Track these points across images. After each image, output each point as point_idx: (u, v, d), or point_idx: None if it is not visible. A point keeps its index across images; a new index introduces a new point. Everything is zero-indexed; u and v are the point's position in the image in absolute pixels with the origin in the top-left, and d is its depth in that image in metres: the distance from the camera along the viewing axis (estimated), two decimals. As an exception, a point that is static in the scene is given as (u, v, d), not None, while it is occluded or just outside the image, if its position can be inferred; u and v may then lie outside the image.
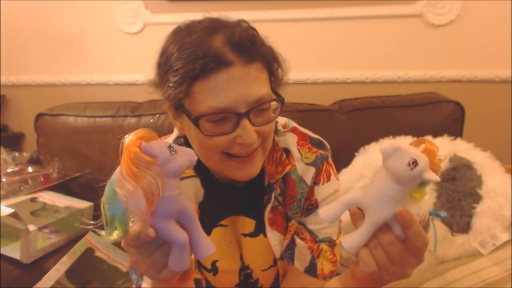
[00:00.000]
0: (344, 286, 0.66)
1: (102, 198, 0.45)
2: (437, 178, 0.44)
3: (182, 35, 0.66)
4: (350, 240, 0.49)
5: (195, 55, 0.62)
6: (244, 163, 0.68)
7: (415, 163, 0.43)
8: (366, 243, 0.51)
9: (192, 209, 0.49)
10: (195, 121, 0.64)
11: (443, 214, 0.50)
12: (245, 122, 0.63)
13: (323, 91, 1.69)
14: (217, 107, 0.62)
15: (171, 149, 0.45)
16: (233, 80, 0.62)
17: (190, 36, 0.65)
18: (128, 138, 0.46)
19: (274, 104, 0.68)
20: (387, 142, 0.46)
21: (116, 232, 0.44)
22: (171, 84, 0.65)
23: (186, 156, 0.47)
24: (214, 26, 0.66)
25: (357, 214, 0.53)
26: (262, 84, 0.66)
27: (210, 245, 0.50)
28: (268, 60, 0.68)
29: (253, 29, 0.69)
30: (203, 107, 0.63)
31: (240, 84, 0.63)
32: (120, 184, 0.43)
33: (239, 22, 0.68)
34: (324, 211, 0.51)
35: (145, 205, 0.42)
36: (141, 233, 0.45)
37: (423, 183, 0.46)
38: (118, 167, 0.45)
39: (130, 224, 0.45)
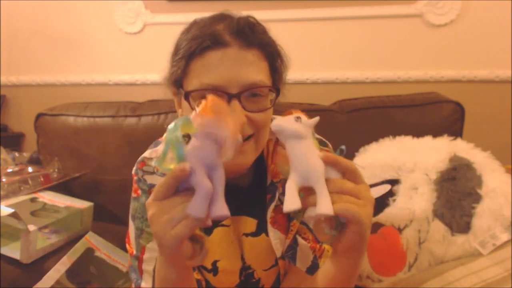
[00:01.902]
0: (337, 263, 0.67)
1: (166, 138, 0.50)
2: (316, 118, 0.55)
3: (192, 25, 0.71)
4: (322, 206, 0.51)
5: (196, 36, 0.66)
6: None
7: (298, 117, 0.54)
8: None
9: (222, 169, 0.51)
10: (186, 96, 0.67)
11: (343, 147, 0.58)
12: (235, 103, 0.64)
13: (323, 91, 1.69)
14: (208, 83, 0.64)
15: None
16: (227, 60, 0.65)
17: (198, 24, 0.70)
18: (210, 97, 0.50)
19: (272, 97, 0.69)
20: (273, 122, 0.55)
21: (171, 156, 0.49)
22: (173, 64, 0.69)
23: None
24: (219, 16, 0.70)
25: (307, 198, 0.54)
26: (259, 71, 0.67)
27: (225, 209, 0.50)
28: (268, 50, 0.70)
29: (257, 21, 0.71)
30: (195, 83, 0.66)
31: (234, 65, 0.65)
32: (197, 118, 0.48)
33: (246, 15, 0.71)
34: (285, 204, 0.53)
35: (236, 136, 0.48)
36: (177, 168, 0.48)
37: (313, 134, 0.56)
38: (195, 112, 0.49)
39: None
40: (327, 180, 0.53)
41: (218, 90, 0.64)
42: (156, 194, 0.51)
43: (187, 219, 0.49)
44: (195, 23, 0.71)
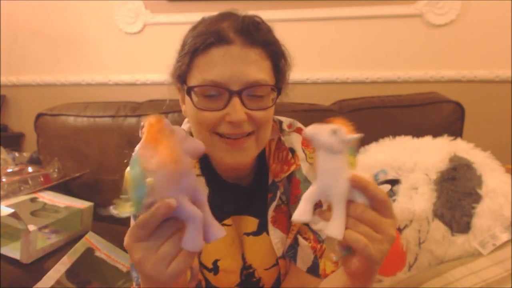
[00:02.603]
0: (345, 281, 0.65)
1: (126, 175, 0.45)
2: (357, 135, 0.50)
3: (199, 22, 0.71)
4: (333, 228, 0.49)
5: (201, 32, 0.67)
6: (232, 145, 0.68)
7: (335, 130, 0.49)
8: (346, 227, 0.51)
9: (203, 190, 0.49)
10: (188, 91, 0.67)
11: (385, 170, 0.53)
12: (236, 100, 0.65)
13: (323, 91, 1.69)
14: (210, 80, 0.65)
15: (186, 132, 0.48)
16: (230, 57, 0.65)
17: (205, 22, 0.70)
18: (147, 120, 0.46)
19: (273, 95, 0.70)
20: (308, 128, 0.51)
21: (130, 204, 0.43)
22: (178, 59, 0.70)
23: (198, 142, 0.49)
24: (226, 14, 0.70)
25: (324, 212, 0.52)
26: (261, 70, 0.67)
27: (220, 228, 0.49)
28: (272, 50, 0.70)
29: (262, 20, 0.72)
30: (198, 78, 0.66)
31: (237, 63, 0.65)
32: (142, 149, 0.44)
33: (252, 14, 0.71)
34: (295, 213, 0.51)
35: (169, 165, 0.42)
36: (161, 206, 0.43)
37: (351, 150, 0.51)
38: (139, 144, 0.45)
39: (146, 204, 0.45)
40: (350, 202, 0.50)
41: (220, 87, 0.65)
42: (137, 236, 0.46)
43: (182, 254, 0.46)
44: (203, 21, 0.71)
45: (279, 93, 0.70)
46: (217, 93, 0.66)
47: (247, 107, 0.66)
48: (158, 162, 0.42)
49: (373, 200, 0.50)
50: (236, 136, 0.68)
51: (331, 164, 0.50)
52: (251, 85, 0.65)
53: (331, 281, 0.67)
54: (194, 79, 0.68)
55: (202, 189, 0.49)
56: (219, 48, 0.65)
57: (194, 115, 0.68)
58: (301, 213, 0.50)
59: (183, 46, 0.71)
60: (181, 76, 0.71)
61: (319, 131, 0.50)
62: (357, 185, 0.49)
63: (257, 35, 0.67)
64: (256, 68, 0.66)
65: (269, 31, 0.72)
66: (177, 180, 0.44)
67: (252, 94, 0.66)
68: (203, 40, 0.66)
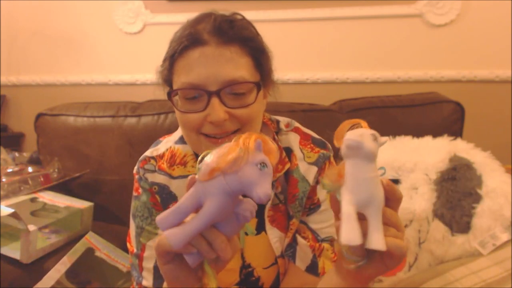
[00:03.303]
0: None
1: None
2: (386, 138, 0.47)
3: (181, 27, 0.73)
4: (375, 240, 0.45)
5: (178, 36, 0.69)
6: (217, 144, 0.68)
7: (375, 135, 0.45)
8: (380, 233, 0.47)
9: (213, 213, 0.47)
10: (168, 95, 0.69)
11: (383, 168, 0.51)
12: (215, 100, 0.65)
13: (323, 91, 1.69)
14: (188, 83, 0.66)
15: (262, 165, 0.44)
16: (205, 58, 0.65)
17: (183, 26, 0.72)
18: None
19: (256, 92, 0.69)
20: (350, 135, 0.44)
21: None
22: (162, 64, 0.72)
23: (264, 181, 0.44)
24: (201, 16, 0.71)
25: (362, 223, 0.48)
26: (239, 67, 0.67)
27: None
28: (250, 46, 0.69)
29: (242, 17, 0.72)
30: (178, 83, 0.68)
31: (212, 63, 0.65)
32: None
33: (229, 13, 0.72)
34: (346, 237, 0.44)
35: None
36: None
37: None
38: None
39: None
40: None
41: (198, 89, 0.66)
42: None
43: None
44: (183, 24, 0.73)
45: (259, 89, 0.70)
46: (198, 94, 0.67)
47: (227, 106, 0.66)
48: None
49: (394, 200, 0.49)
50: (221, 136, 0.68)
51: (370, 173, 0.45)
52: (228, 84, 0.65)
53: (327, 282, 0.65)
54: (175, 83, 0.69)
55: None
56: (194, 50, 0.66)
57: (180, 118, 0.70)
58: (351, 233, 0.44)
59: (167, 51, 0.72)
60: (167, 81, 0.73)
61: (363, 138, 0.44)
62: (389, 189, 0.48)
63: (232, 32, 0.67)
64: (233, 66, 0.66)
65: (245, 27, 0.71)
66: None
67: (232, 92, 0.66)
68: (179, 43, 0.67)
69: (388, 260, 0.49)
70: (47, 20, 1.85)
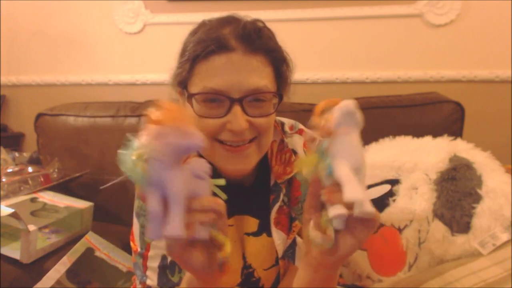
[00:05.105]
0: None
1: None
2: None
3: (199, 26, 0.71)
4: (352, 191, 0.47)
5: (202, 39, 0.66)
6: (233, 152, 0.67)
7: (356, 105, 0.49)
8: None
9: (180, 191, 0.47)
10: (189, 97, 0.67)
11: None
12: (237, 108, 0.64)
13: (323, 91, 1.69)
14: (211, 88, 0.65)
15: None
16: (231, 65, 0.64)
17: (205, 26, 0.69)
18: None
19: (275, 101, 0.69)
20: (349, 105, 0.49)
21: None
22: (179, 65, 0.69)
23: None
24: (226, 19, 0.69)
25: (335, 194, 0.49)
26: (263, 77, 0.66)
27: (178, 228, 0.47)
28: (274, 56, 0.69)
29: (265, 25, 0.71)
30: (199, 86, 0.66)
31: (238, 71, 0.64)
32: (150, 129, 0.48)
33: (253, 19, 0.70)
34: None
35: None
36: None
37: None
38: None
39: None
40: None
41: (221, 95, 0.64)
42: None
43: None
44: (203, 25, 0.71)
45: (280, 99, 0.70)
46: (218, 100, 0.65)
47: (248, 114, 0.66)
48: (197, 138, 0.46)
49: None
50: (238, 143, 0.67)
51: (357, 140, 0.50)
52: (252, 93, 0.65)
53: (300, 279, 0.63)
54: (195, 86, 0.67)
55: (175, 185, 0.48)
56: (221, 55, 0.65)
57: (196, 123, 0.68)
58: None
59: (183, 51, 0.70)
60: (182, 82, 0.70)
61: (355, 109, 0.49)
62: None
63: (259, 42, 0.67)
64: (258, 75, 0.66)
65: (270, 37, 0.71)
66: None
67: (253, 100, 0.66)
68: (204, 47, 0.65)
69: (359, 230, 0.48)
70: (47, 20, 1.85)
